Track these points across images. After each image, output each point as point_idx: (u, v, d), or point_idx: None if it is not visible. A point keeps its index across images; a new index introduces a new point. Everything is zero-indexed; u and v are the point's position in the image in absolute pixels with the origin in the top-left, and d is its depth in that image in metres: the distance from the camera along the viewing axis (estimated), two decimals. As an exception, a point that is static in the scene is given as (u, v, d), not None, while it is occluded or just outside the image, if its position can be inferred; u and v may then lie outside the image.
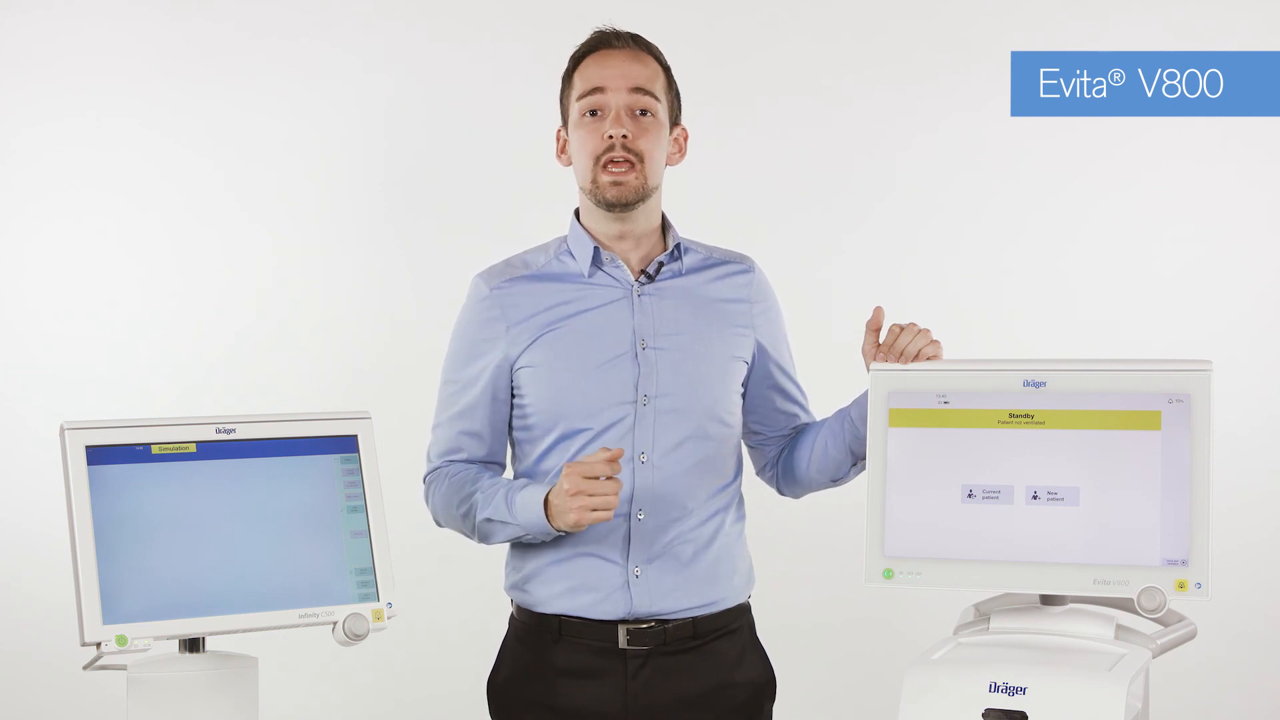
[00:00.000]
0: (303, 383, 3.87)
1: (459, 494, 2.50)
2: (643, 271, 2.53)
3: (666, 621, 2.47)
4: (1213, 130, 3.70)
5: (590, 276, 2.53)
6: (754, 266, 2.62)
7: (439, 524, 2.59)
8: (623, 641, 2.47)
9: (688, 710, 2.49)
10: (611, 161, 2.44)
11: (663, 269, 2.54)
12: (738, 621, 2.56)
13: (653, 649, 2.47)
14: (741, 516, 2.60)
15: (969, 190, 3.82)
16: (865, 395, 2.44)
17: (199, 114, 3.91)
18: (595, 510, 2.33)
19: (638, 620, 2.47)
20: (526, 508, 2.41)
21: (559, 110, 2.57)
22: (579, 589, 2.48)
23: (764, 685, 2.59)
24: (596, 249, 2.52)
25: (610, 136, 2.44)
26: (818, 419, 2.66)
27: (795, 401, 2.66)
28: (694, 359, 2.50)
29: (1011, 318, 3.78)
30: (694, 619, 2.49)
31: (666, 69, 2.55)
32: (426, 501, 2.59)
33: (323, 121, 3.92)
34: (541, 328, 2.51)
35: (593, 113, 2.46)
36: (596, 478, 2.33)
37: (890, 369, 2.36)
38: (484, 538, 2.51)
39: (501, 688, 2.57)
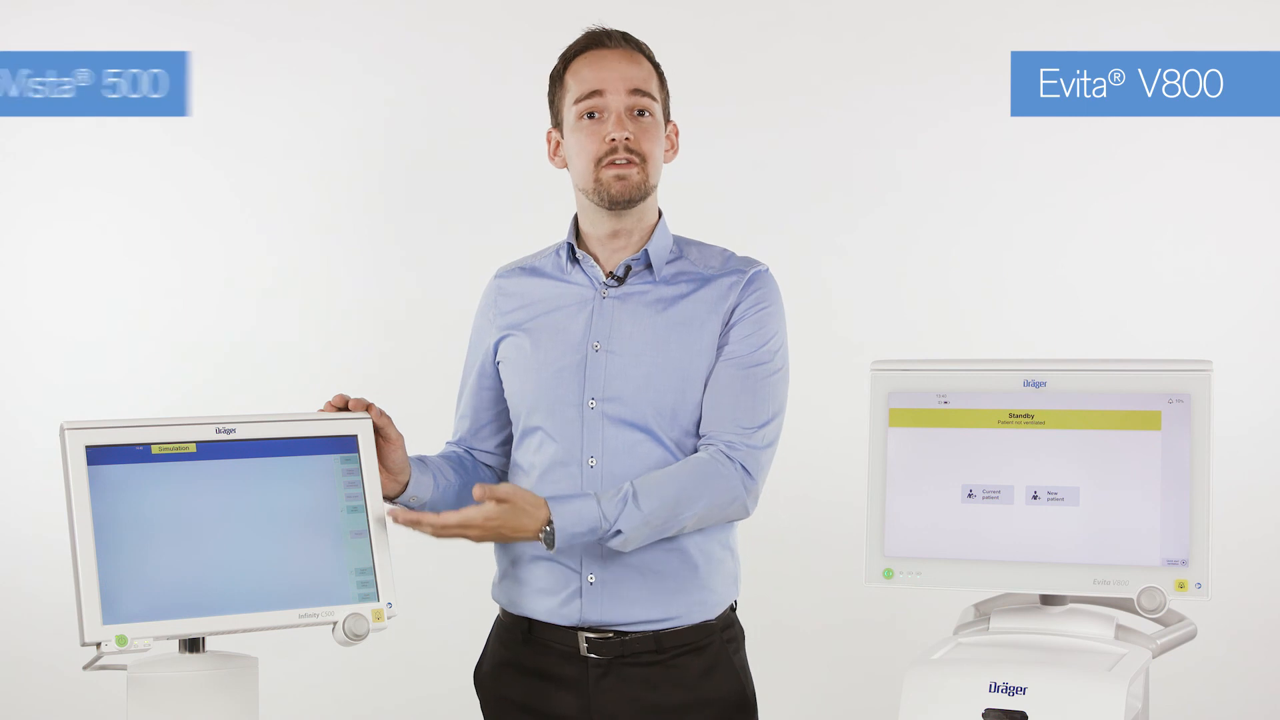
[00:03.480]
0: (303, 383, 3.87)
1: None
2: (610, 274, 2.50)
3: (625, 633, 2.43)
4: (1213, 130, 3.70)
5: (568, 273, 2.52)
6: (746, 270, 2.49)
7: None
8: (583, 648, 2.45)
9: None
10: (614, 163, 2.42)
11: (630, 272, 2.49)
12: (707, 638, 2.47)
13: (614, 658, 2.44)
14: (721, 529, 2.49)
15: (969, 190, 3.82)
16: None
17: (199, 114, 3.91)
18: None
19: (594, 628, 2.44)
20: None
21: (548, 111, 2.55)
22: (541, 592, 2.47)
23: (737, 704, 2.51)
24: (570, 246, 2.51)
25: (613, 140, 2.41)
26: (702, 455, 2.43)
27: (710, 417, 2.44)
28: (646, 364, 2.43)
29: (1011, 318, 3.77)
30: (656, 633, 2.43)
31: (657, 66, 2.51)
32: None
33: (322, 122, 3.92)
34: (512, 325, 2.53)
35: (591, 115, 2.43)
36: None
37: (890, 368, 2.36)
38: None
39: (481, 681, 2.59)
